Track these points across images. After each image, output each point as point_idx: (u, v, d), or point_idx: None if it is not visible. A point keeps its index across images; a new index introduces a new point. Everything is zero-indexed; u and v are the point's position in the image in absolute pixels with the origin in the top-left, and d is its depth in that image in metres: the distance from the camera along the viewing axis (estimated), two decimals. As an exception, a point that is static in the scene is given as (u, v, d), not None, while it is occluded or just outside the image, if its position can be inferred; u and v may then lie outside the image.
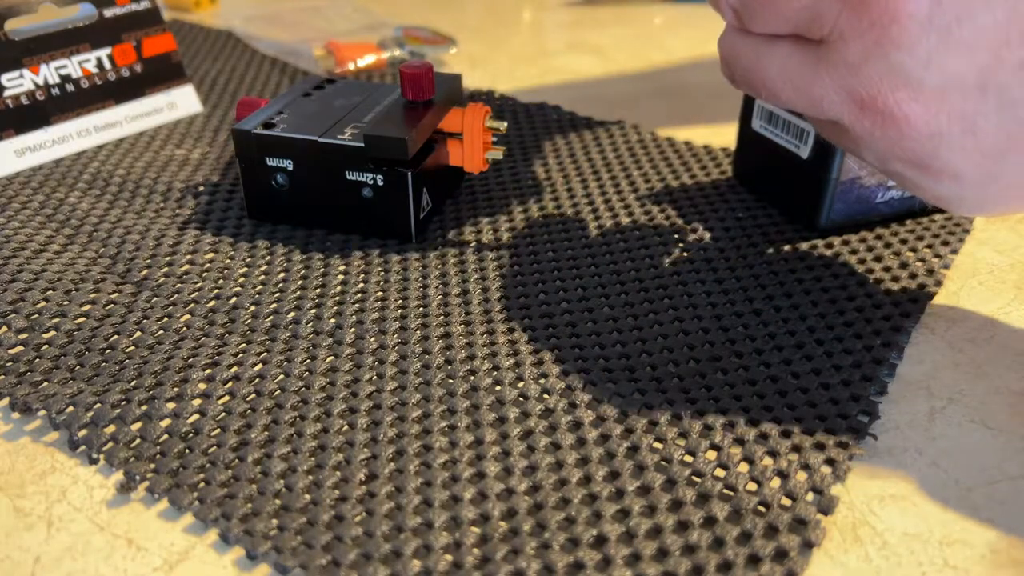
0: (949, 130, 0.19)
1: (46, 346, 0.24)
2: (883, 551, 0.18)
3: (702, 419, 0.21)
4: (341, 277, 0.27)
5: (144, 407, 0.21)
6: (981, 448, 0.21)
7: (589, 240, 0.29)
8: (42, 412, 0.21)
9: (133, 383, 0.22)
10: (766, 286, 0.26)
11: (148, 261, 0.28)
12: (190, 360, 0.23)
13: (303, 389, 0.22)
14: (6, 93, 0.34)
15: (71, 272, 0.27)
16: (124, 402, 0.22)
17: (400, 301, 0.26)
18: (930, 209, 0.30)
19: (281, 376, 0.23)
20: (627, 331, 0.24)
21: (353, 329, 0.25)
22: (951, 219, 0.30)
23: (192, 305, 0.26)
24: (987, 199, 0.21)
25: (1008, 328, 0.25)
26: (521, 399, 0.22)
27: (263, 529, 0.18)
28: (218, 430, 0.21)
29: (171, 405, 0.21)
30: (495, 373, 0.23)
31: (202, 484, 0.19)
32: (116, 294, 0.26)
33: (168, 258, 0.28)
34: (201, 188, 0.33)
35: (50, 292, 0.26)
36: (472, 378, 0.23)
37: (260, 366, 0.23)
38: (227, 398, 0.22)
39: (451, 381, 0.22)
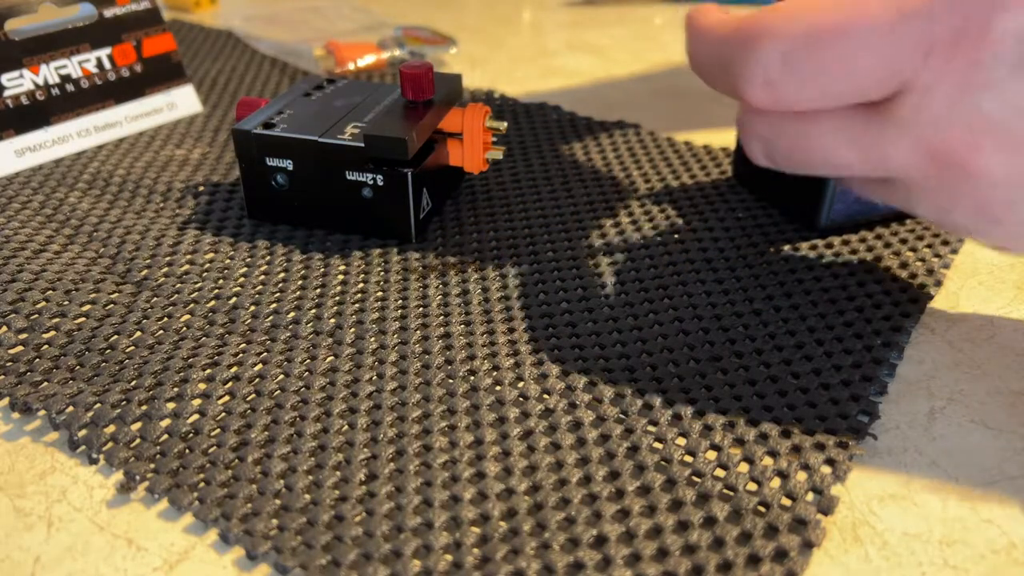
0: None
1: (46, 346, 0.24)
2: (883, 551, 0.18)
3: (702, 419, 0.21)
4: (341, 277, 0.27)
5: (144, 407, 0.21)
6: (981, 448, 0.21)
7: (589, 240, 0.29)
8: (42, 412, 0.21)
9: (133, 383, 0.22)
10: (766, 286, 0.26)
11: (148, 261, 0.28)
12: (190, 360, 0.23)
13: (303, 389, 0.22)
14: (6, 93, 0.34)
15: (71, 272, 0.27)
16: (124, 402, 0.22)
17: (400, 301, 0.26)
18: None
19: (281, 376, 0.23)
20: (627, 331, 0.24)
21: (353, 329, 0.25)
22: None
23: (192, 305, 0.26)
24: None
25: (1008, 328, 0.25)
26: (521, 399, 0.22)
27: (263, 529, 0.18)
28: (218, 430, 0.21)
29: (171, 405, 0.21)
30: (495, 373, 0.23)
31: (202, 484, 0.19)
32: (116, 294, 0.26)
33: (168, 258, 0.28)
34: (201, 188, 0.33)
35: (50, 292, 0.26)
36: (472, 378, 0.23)
37: (260, 366, 0.23)
38: (227, 398, 0.22)
39: (451, 381, 0.22)
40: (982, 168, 0.19)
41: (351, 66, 0.45)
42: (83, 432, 0.21)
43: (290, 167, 0.29)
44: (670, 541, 0.18)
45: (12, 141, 0.34)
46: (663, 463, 0.20)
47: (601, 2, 0.61)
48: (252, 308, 0.26)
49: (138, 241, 0.29)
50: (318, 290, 0.26)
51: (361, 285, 0.27)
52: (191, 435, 0.21)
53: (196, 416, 0.21)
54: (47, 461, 0.20)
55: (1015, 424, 0.21)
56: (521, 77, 0.46)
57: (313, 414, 0.21)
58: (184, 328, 0.25)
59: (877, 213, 0.29)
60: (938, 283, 0.26)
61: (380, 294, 0.26)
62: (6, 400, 0.22)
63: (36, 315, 0.25)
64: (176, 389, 0.22)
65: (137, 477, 0.19)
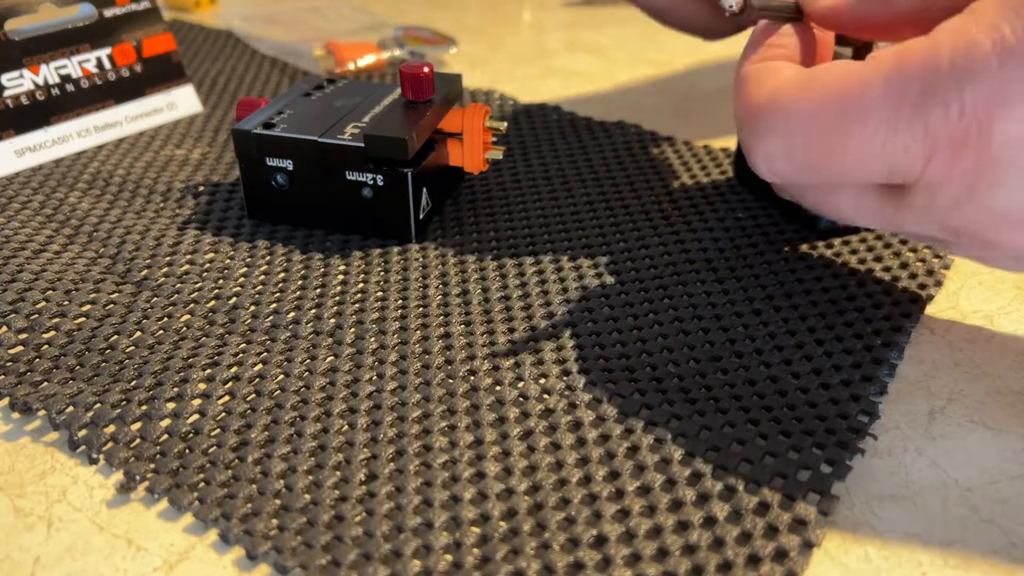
0: None
1: (46, 346, 0.24)
2: (883, 551, 0.18)
3: (702, 419, 0.21)
4: (341, 277, 0.27)
5: (144, 407, 0.21)
6: (981, 448, 0.21)
7: (589, 240, 0.29)
8: (42, 412, 0.21)
9: (133, 383, 0.22)
10: (766, 286, 0.26)
11: (148, 261, 0.28)
12: (190, 360, 0.23)
13: (303, 389, 0.22)
14: (6, 93, 0.34)
15: (71, 272, 0.27)
16: (124, 402, 0.22)
17: (400, 301, 0.26)
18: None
19: (281, 376, 0.23)
20: (627, 331, 0.24)
21: (353, 329, 0.25)
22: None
23: (192, 305, 0.26)
24: None
25: (1008, 328, 0.25)
26: (521, 399, 0.22)
27: (263, 529, 0.18)
28: (218, 430, 0.21)
29: (171, 405, 0.21)
30: (495, 373, 0.23)
31: (202, 484, 0.19)
32: (116, 294, 0.26)
33: (168, 258, 0.28)
34: (201, 188, 0.33)
35: (50, 292, 0.26)
36: (472, 378, 0.23)
37: (260, 366, 0.23)
38: (227, 398, 0.22)
39: (451, 381, 0.22)
40: (1007, 243, 0.19)
41: (351, 66, 0.45)
42: (83, 432, 0.21)
43: (290, 167, 0.29)
44: (670, 541, 0.18)
45: (12, 141, 0.34)
46: (663, 463, 0.20)
47: (601, 2, 0.61)
48: (252, 308, 0.26)
49: (138, 241, 0.29)
50: (318, 290, 0.26)
51: (361, 285, 0.27)
52: (191, 435, 0.21)
53: (196, 416, 0.21)
54: (47, 461, 0.20)
55: (1015, 424, 0.21)
56: (521, 77, 0.46)
57: (313, 414, 0.21)
58: (184, 328, 0.25)
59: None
60: (938, 283, 0.26)
61: (380, 294, 0.26)
62: (6, 400, 0.22)
63: (36, 315, 0.25)
64: (176, 389, 0.22)
65: (137, 477, 0.19)
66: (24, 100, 0.35)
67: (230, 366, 0.23)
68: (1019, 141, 0.17)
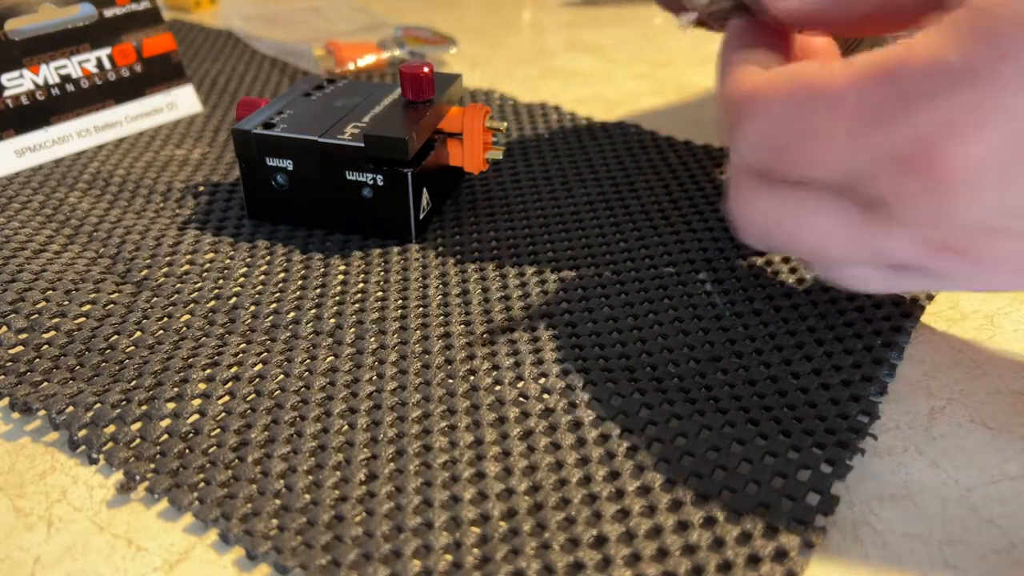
0: None
1: (46, 346, 0.24)
2: (883, 551, 0.18)
3: (702, 419, 0.21)
4: (341, 277, 0.27)
5: (144, 407, 0.21)
6: (981, 448, 0.21)
7: (589, 240, 0.29)
8: (42, 412, 0.21)
9: (133, 383, 0.22)
10: (766, 286, 0.26)
11: (148, 261, 0.28)
12: (190, 360, 0.23)
13: (303, 389, 0.22)
14: (6, 93, 0.34)
15: (71, 272, 0.27)
16: (124, 402, 0.22)
17: (400, 301, 0.26)
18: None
19: (281, 376, 0.23)
20: (627, 331, 0.24)
21: (353, 329, 0.25)
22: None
23: (192, 305, 0.26)
24: None
25: (1008, 328, 0.25)
26: (521, 399, 0.22)
27: (263, 529, 0.18)
28: (218, 430, 0.21)
29: (171, 405, 0.21)
30: (495, 373, 0.23)
31: (202, 484, 0.19)
32: (116, 294, 0.26)
33: (168, 258, 0.28)
34: (201, 188, 0.33)
35: (50, 292, 0.26)
36: (472, 378, 0.23)
37: (260, 366, 0.23)
38: (227, 398, 0.22)
39: (451, 381, 0.22)
40: (998, 256, 0.18)
41: (351, 66, 0.45)
42: (83, 432, 0.21)
43: (290, 167, 0.29)
44: (670, 541, 0.18)
45: (12, 141, 0.34)
46: (663, 463, 0.20)
47: (601, 2, 0.61)
48: (252, 308, 0.26)
49: (138, 241, 0.29)
50: (318, 290, 0.26)
51: (361, 285, 0.27)
52: (191, 435, 0.21)
53: (196, 416, 0.21)
54: (47, 461, 0.20)
55: (1015, 424, 0.21)
56: (521, 77, 0.46)
57: (313, 414, 0.21)
58: (184, 328, 0.25)
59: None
60: (938, 283, 0.26)
61: (380, 294, 0.26)
62: (6, 400, 0.22)
63: (36, 315, 0.25)
64: (176, 389, 0.22)
65: (137, 477, 0.19)
66: (24, 100, 0.35)
67: (230, 366, 0.23)
68: (979, 160, 0.17)
